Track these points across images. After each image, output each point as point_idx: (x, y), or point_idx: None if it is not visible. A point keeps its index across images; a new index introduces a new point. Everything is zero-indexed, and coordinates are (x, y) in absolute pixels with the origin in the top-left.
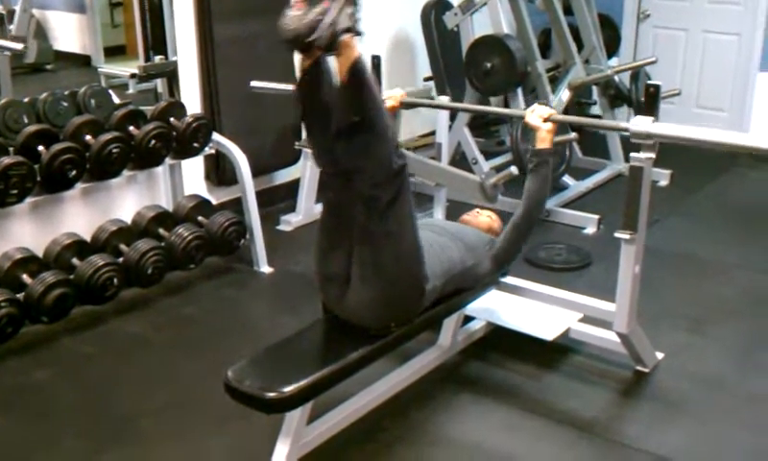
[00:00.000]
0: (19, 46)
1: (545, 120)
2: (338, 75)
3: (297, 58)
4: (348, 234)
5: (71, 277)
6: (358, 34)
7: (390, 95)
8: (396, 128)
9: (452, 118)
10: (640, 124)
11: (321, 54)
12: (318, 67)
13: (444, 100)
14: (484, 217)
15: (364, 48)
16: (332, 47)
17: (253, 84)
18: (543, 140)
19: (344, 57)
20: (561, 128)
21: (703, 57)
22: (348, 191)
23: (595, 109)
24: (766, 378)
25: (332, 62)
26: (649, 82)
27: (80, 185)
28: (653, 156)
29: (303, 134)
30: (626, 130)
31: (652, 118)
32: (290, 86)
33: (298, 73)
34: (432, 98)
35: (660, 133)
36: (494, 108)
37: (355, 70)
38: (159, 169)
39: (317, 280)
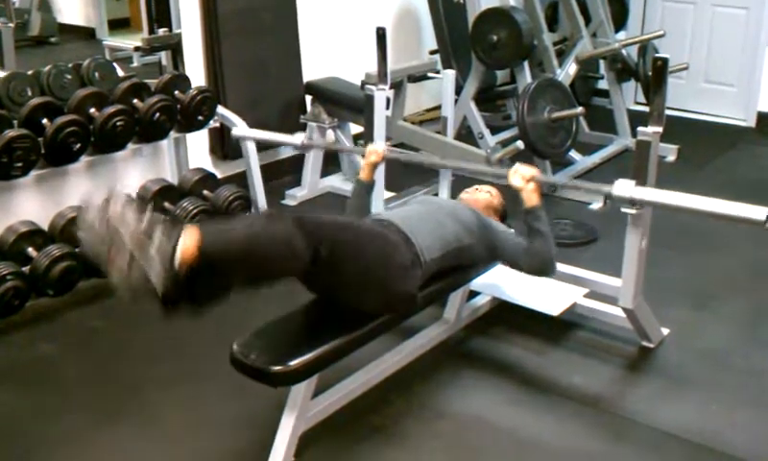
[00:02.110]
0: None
1: (528, 181)
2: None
3: None
4: (316, 281)
5: (76, 249)
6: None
7: (372, 150)
8: (373, 179)
9: (458, 92)
10: (623, 188)
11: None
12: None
13: (450, 74)
14: (483, 194)
15: (369, 20)
16: (180, 270)
17: (234, 133)
18: (529, 199)
19: (191, 259)
20: (567, 101)
21: (711, 30)
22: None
23: (602, 83)
24: None
25: None
26: (657, 55)
27: (84, 159)
28: (660, 129)
29: (309, 107)
30: (609, 194)
31: (635, 182)
32: (277, 136)
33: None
34: (438, 71)
35: (645, 200)
36: (479, 168)
37: (208, 255)
38: (164, 142)
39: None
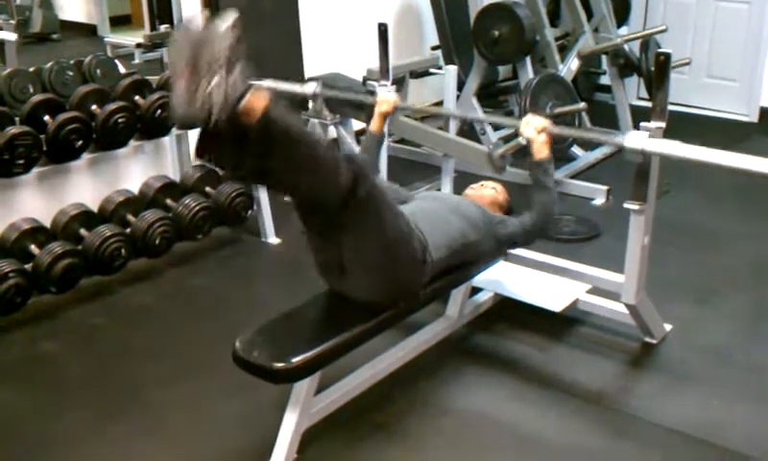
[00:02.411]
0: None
1: (539, 132)
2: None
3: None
4: (331, 233)
5: (79, 247)
6: (253, 88)
7: (383, 99)
8: (388, 129)
9: (460, 88)
10: (636, 140)
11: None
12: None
13: (452, 70)
14: (488, 190)
15: (371, 16)
16: (236, 119)
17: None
18: (540, 151)
19: (250, 119)
20: (569, 96)
21: (714, 25)
22: (314, 213)
23: (605, 79)
24: None
25: None
26: (659, 50)
27: (86, 155)
28: (663, 125)
29: (310, 105)
30: (620, 145)
31: (648, 133)
32: (288, 86)
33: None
34: (439, 67)
35: (656, 151)
36: (491, 117)
37: (265, 124)
38: (166, 139)
39: (316, 269)
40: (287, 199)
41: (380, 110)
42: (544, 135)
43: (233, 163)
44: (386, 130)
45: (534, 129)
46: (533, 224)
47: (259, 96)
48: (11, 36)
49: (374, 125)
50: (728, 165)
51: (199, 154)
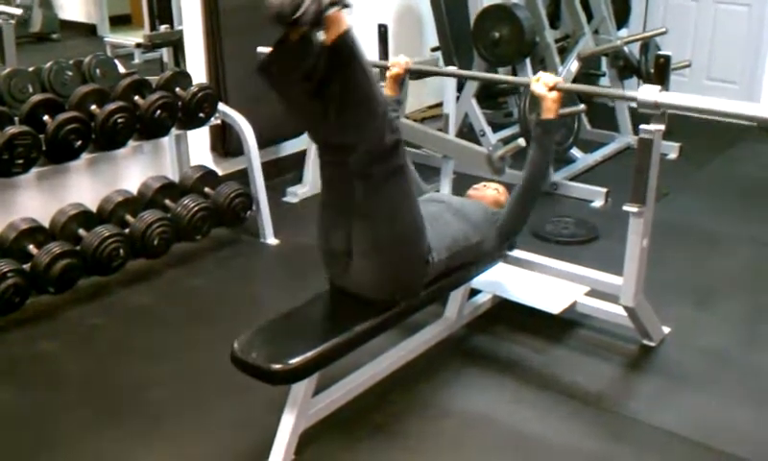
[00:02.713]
0: (18, 11)
1: (551, 89)
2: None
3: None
4: (347, 211)
5: (77, 247)
6: (346, 6)
7: (395, 62)
8: (402, 97)
9: (459, 89)
10: (648, 93)
11: (307, 30)
12: (303, 43)
13: (452, 70)
14: (491, 190)
15: (370, 17)
16: (319, 23)
17: (260, 50)
18: (549, 110)
19: (332, 31)
20: (568, 99)
21: (714, 27)
22: (342, 168)
23: (604, 81)
24: None
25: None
26: (659, 53)
27: (85, 156)
28: (662, 127)
29: None
30: (633, 99)
31: (660, 87)
32: None
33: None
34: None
35: (669, 103)
36: (500, 76)
37: (342, 44)
38: (165, 140)
39: (321, 256)
40: (316, 147)
41: (391, 73)
42: (555, 93)
43: (300, 73)
44: (401, 95)
45: (544, 85)
46: (524, 182)
47: (344, 17)
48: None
49: (388, 89)
50: (737, 112)
51: (266, 64)
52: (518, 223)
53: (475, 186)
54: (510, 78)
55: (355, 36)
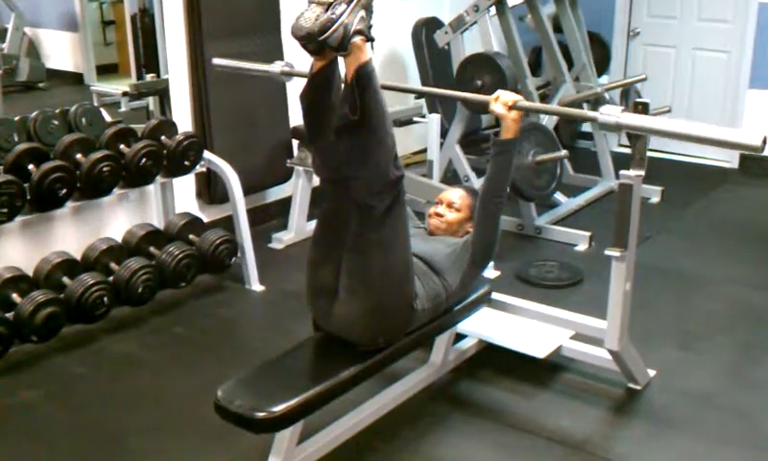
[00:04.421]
0: None
1: (510, 108)
2: (345, 76)
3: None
4: (340, 246)
5: (61, 296)
6: (369, 39)
7: None
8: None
9: (443, 136)
10: (610, 114)
11: (333, 56)
12: (329, 69)
13: (436, 118)
14: (452, 214)
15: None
16: (343, 48)
17: (215, 61)
18: (508, 129)
19: (353, 57)
20: (550, 145)
21: (693, 74)
22: (344, 199)
23: (586, 126)
24: (756, 394)
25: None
26: (637, 99)
27: (70, 204)
28: (642, 173)
29: (296, 152)
30: (595, 119)
31: (622, 108)
32: (255, 66)
33: (309, 74)
34: (423, 115)
35: (629, 124)
36: (458, 92)
37: (363, 72)
38: (150, 187)
39: (307, 294)
40: (320, 180)
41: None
42: (515, 112)
43: (325, 113)
44: None
45: (503, 105)
46: (481, 201)
47: (366, 47)
48: None
49: None
50: (696, 135)
51: (303, 97)
52: (488, 243)
53: (433, 221)
54: (466, 95)
55: (374, 68)
